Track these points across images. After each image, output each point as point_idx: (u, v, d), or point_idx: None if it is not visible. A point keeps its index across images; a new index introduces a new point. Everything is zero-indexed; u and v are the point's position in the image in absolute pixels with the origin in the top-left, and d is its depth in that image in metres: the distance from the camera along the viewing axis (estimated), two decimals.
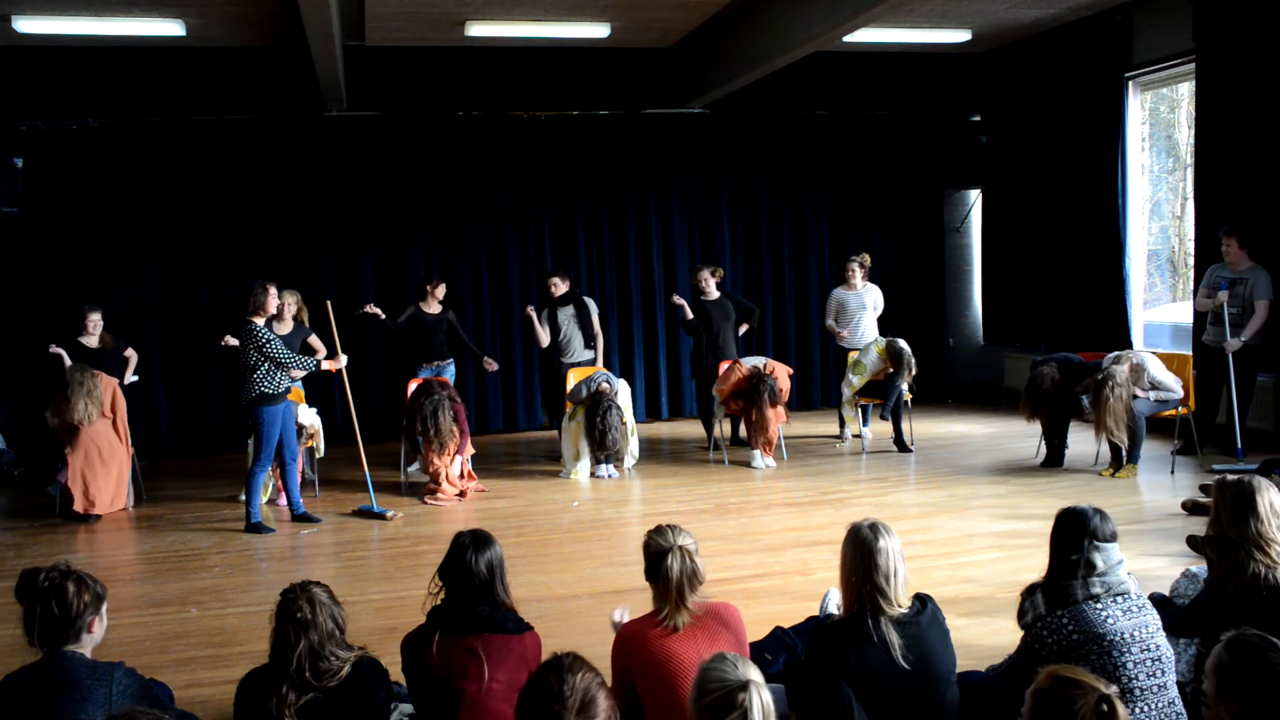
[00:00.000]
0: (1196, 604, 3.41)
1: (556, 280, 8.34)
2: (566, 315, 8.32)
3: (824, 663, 2.85)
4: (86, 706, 2.68)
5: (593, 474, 7.75)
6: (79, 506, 6.84)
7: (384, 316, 8.08)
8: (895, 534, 2.95)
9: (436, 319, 8.20)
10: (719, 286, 8.45)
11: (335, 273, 9.56)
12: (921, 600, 2.96)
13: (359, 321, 8.70)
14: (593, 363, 8.37)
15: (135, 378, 7.86)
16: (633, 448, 7.91)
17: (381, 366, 9.57)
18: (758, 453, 7.90)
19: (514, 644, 3.02)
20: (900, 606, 2.88)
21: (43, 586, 2.78)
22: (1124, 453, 7.06)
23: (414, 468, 7.82)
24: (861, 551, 2.89)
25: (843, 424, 8.88)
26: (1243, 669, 2.25)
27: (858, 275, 8.77)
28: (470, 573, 3.06)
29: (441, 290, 8.23)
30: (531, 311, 8.35)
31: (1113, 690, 2.12)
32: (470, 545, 3.11)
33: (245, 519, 6.57)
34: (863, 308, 8.71)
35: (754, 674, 2.23)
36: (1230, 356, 7.10)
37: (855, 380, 8.34)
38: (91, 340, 7.59)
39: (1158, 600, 3.50)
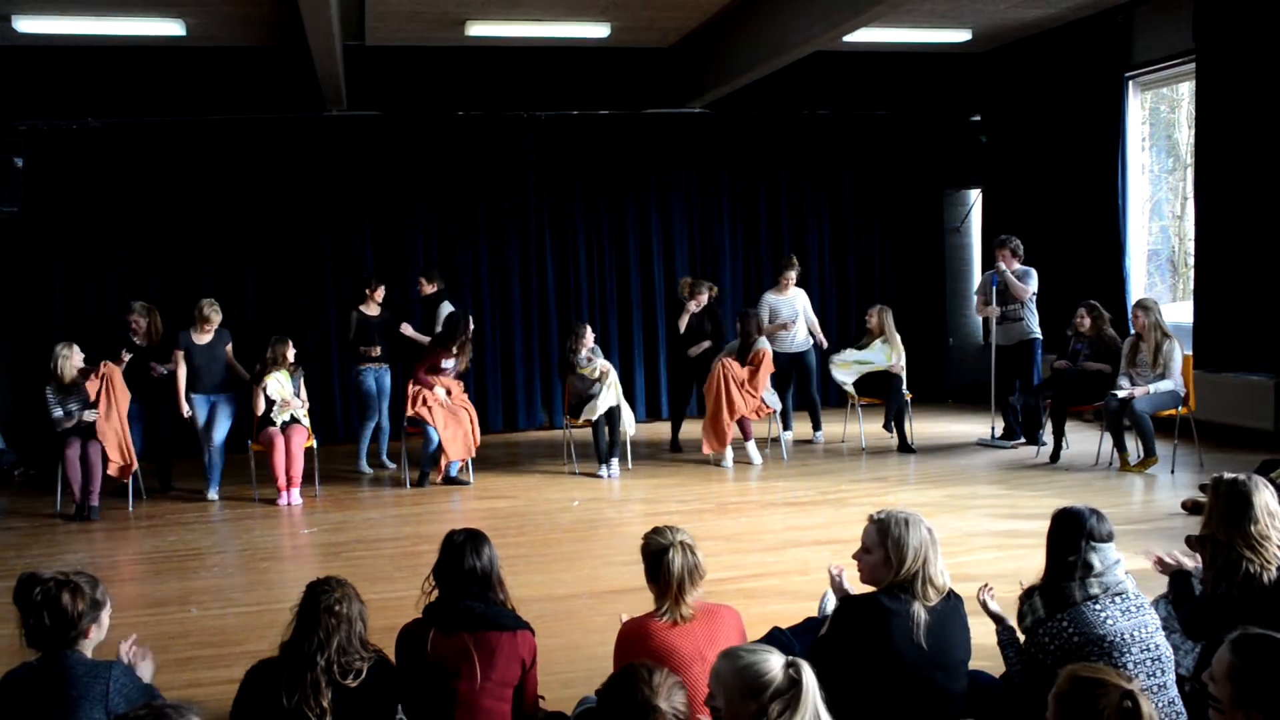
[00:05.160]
0: (1195, 606, 3.39)
1: (422, 280, 8.51)
2: (431, 320, 8.46)
3: (852, 629, 2.94)
4: (84, 704, 2.68)
5: (593, 474, 7.76)
6: (114, 463, 7.01)
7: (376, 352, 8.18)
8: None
9: (377, 321, 8.21)
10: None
11: (335, 272, 9.56)
12: (949, 592, 3.03)
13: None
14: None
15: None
16: (629, 424, 7.86)
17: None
18: (751, 445, 7.97)
19: (506, 641, 3.02)
20: (939, 595, 2.96)
21: (36, 600, 2.78)
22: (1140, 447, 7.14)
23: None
24: (926, 540, 2.96)
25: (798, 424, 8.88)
26: (1262, 673, 2.15)
27: (790, 277, 8.70)
28: (465, 570, 3.07)
29: (381, 293, 8.24)
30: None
31: (1134, 685, 2.09)
32: (465, 543, 3.12)
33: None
34: (795, 313, 8.67)
35: (780, 653, 2.24)
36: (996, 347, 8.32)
37: (846, 360, 8.39)
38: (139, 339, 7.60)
39: (1183, 593, 3.45)
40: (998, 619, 3.31)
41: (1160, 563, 3.66)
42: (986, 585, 3.45)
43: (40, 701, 2.70)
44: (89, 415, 6.94)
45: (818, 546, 5.63)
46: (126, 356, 7.38)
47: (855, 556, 3.13)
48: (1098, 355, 7.57)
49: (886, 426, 8.39)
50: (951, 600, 3.01)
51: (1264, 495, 3.25)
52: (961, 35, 9.63)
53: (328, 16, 6.48)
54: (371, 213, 9.65)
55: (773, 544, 5.84)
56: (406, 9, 8.13)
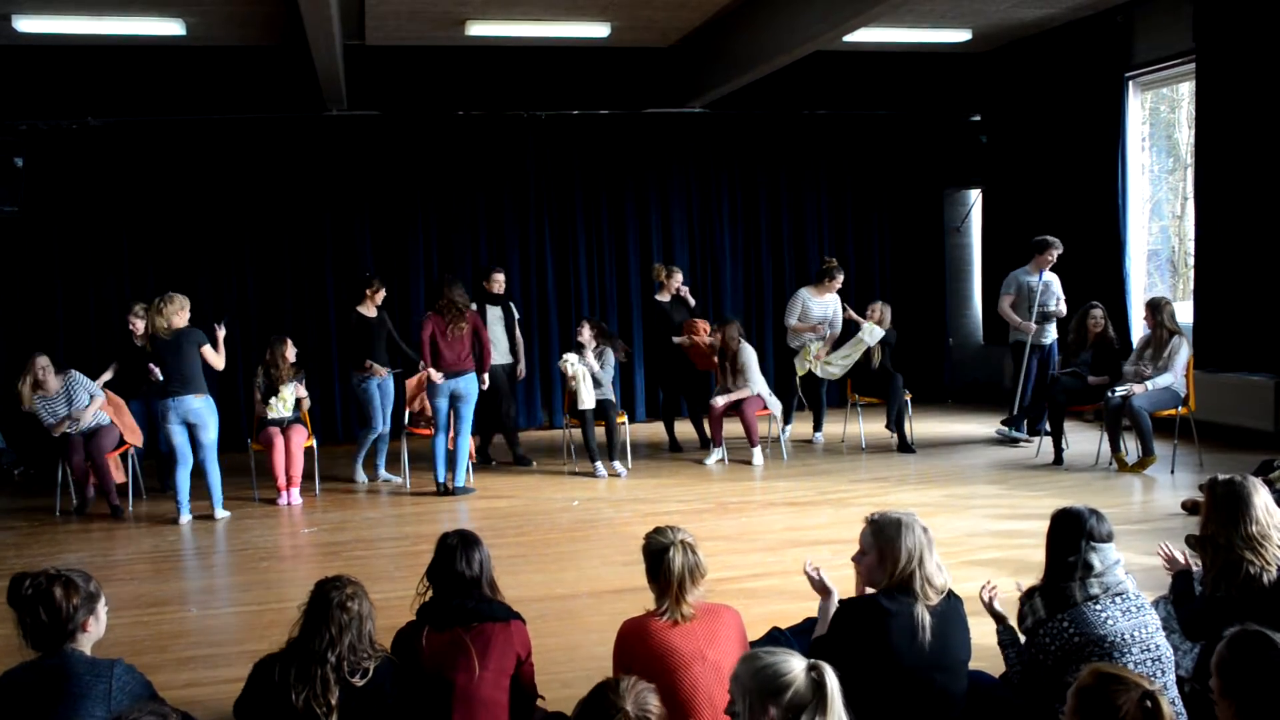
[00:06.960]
0: (1195, 608, 3.40)
1: (500, 277, 8.15)
2: (495, 316, 8.05)
3: (852, 630, 2.94)
4: (85, 703, 2.67)
5: (593, 473, 7.76)
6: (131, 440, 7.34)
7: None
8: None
9: (376, 323, 7.74)
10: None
11: (335, 272, 9.56)
12: (949, 593, 3.03)
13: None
14: (513, 368, 8.21)
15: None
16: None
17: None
18: (756, 450, 7.95)
19: (499, 632, 3.06)
20: (939, 594, 2.96)
21: (27, 595, 2.77)
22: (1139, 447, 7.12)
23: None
24: (920, 540, 2.96)
25: (785, 413, 8.82)
26: (1243, 665, 2.22)
27: (838, 282, 8.62)
28: (459, 573, 3.12)
29: (381, 294, 7.77)
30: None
31: (1156, 687, 2.12)
32: (458, 546, 3.16)
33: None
34: (826, 316, 8.63)
35: (800, 656, 2.23)
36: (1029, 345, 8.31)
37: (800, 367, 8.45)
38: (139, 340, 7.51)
39: (1182, 594, 3.48)
40: (999, 618, 3.31)
41: (1170, 560, 3.65)
42: (990, 583, 3.45)
43: (41, 699, 2.69)
44: (96, 418, 7.04)
45: (818, 546, 5.61)
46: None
47: (854, 559, 3.13)
48: (1098, 359, 7.56)
49: (889, 426, 8.37)
50: (952, 600, 3.01)
51: (1262, 495, 3.26)
52: (961, 35, 9.63)
53: (328, 16, 6.49)
54: (372, 213, 9.65)
55: (773, 544, 5.83)
56: (406, 8, 8.13)
